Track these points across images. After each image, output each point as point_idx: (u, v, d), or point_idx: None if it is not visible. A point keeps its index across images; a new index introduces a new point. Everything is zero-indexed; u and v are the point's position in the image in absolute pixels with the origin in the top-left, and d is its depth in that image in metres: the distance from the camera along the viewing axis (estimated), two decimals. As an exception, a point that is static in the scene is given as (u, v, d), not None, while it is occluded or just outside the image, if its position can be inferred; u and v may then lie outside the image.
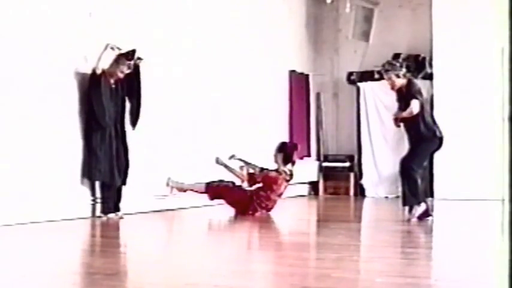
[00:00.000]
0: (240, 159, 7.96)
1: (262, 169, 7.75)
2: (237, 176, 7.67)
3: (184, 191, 7.83)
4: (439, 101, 10.17)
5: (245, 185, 7.66)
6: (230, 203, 7.64)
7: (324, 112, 11.91)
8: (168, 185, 7.86)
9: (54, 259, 4.42)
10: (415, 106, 6.53)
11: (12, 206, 6.14)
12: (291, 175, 7.66)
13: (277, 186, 7.53)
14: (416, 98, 6.56)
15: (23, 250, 4.91)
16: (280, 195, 7.63)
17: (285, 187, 7.65)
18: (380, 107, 10.96)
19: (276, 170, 7.59)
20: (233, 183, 7.66)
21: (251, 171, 7.80)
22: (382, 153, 11.00)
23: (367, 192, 11.20)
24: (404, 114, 6.59)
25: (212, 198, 7.72)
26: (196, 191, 7.73)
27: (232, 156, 8.02)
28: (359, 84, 11.32)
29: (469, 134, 10.14)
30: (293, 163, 7.68)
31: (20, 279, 3.57)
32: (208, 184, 7.62)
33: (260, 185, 7.54)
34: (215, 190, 7.60)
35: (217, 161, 7.92)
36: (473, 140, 10.14)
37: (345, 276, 3.63)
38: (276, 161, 7.65)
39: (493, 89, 9.12)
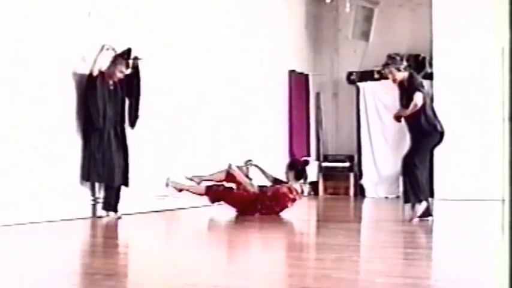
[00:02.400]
0: (256, 166, 7.93)
1: (275, 180, 7.76)
2: (248, 189, 7.59)
3: (186, 190, 7.81)
4: (439, 100, 10.16)
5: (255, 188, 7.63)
6: (231, 203, 7.65)
7: (324, 112, 11.91)
8: (167, 185, 7.84)
9: (54, 259, 4.42)
10: (418, 98, 6.50)
11: (11, 206, 6.13)
12: (302, 192, 7.69)
13: (284, 202, 7.53)
14: (420, 91, 6.55)
15: (22, 250, 4.90)
16: (283, 209, 7.60)
17: (291, 205, 7.63)
18: (380, 107, 10.97)
19: (288, 187, 7.57)
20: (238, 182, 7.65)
21: (264, 181, 7.78)
22: (382, 153, 11.01)
23: (367, 192, 11.20)
24: (409, 110, 6.54)
25: (213, 201, 7.71)
26: (195, 193, 7.71)
27: (248, 161, 7.98)
28: (359, 84, 11.33)
29: (469, 134, 10.14)
30: (305, 178, 7.71)
31: (19, 279, 3.57)
32: (208, 187, 7.61)
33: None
34: (215, 193, 7.60)
35: (230, 168, 7.83)
36: (473, 140, 10.15)
37: (344, 276, 3.62)
38: (288, 178, 7.67)
39: (493, 89, 9.11)
